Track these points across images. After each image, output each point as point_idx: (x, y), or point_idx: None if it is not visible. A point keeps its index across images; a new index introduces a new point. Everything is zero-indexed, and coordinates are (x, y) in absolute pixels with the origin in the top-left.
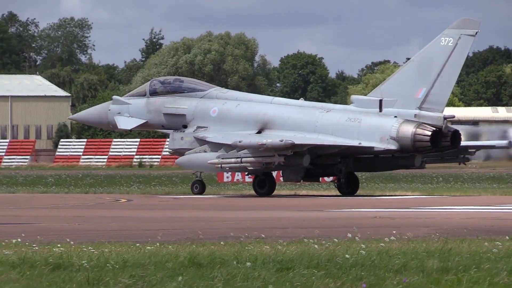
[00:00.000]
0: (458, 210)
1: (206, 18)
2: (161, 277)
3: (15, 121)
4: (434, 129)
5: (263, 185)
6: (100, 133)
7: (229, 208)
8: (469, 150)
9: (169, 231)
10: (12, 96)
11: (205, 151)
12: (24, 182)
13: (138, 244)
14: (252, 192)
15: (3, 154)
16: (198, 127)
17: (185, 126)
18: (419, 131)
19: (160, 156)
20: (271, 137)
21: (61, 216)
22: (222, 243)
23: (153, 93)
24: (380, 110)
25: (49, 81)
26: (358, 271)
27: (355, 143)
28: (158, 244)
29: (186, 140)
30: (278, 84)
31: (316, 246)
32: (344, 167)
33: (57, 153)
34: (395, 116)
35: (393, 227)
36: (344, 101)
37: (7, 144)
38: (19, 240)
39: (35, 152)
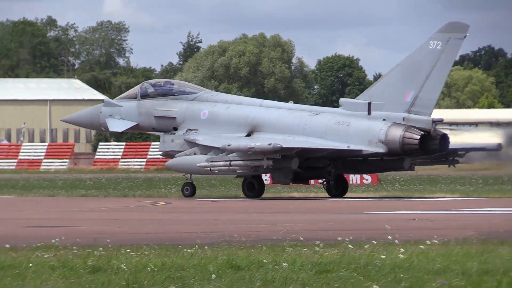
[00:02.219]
0: (498, 212)
1: (242, 21)
2: (199, 279)
3: (54, 124)
4: (423, 132)
5: (252, 188)
6: (139, 136)
7: (267, 211)
8: (459, 153)
9: (207, 234)
10: (51, 100)
11: (195, 154)
12: (63, 185)
13: (180, 246)
14: (290, 194)
15: (42, 157)
16: (188, 130)
17: (175, 129)
18: (408, 134)
19: None
20: (260, 140)
21: (100, 219)
22: (260, 245)
23: (144, 95)
24: (369, 113)
25: (87, 84)
26: (397, 273)
27: (343, 146)
28: (196, 246)
29: (177, 142)
30: (315, 87)
31: (354, 248)
32: (333, 170)
33: (96, 156)
34: (384, 120)
35: (432, 229)
36: None
37: (46, 147)
38: (58, 242)
39: (74, 155)
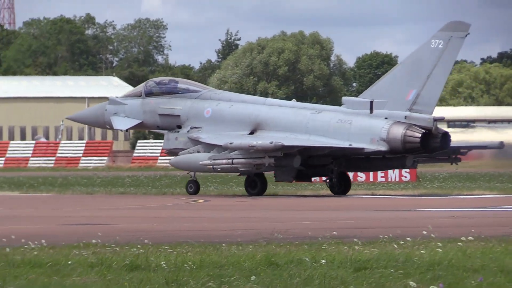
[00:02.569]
0: None
1: (281, 18)
2: (238, 277)
3: None
4: (424, 130)
5: (255, 186)
6: None
7: (306, 208)
8: (461, 151)
9: (246, 231)
10: (89, 98)
11: (198, 152)
12: (101, 183)
13: (223, 245)
14: (329, 191)
15: (81, 155)
16: (192, 128)
17: (179, 127)
18: (409, 132)
19: None
20: (263, 138)
21: (139, 217)
22: (299, 243)
23: (149, 93)
24: (371, 111)
25: (125, 82)
26: (436, 270)
27: (345, 144)
28: (235, 244)
29: (181, 140)
30: (353, 84)
31: (393, 245)
32: (336, 167)
33: (134, 154)
34: (386, 118)
35: (471, 226)
36: None
37: (84, 145)
38: (96, 240)
39: (112, 153)
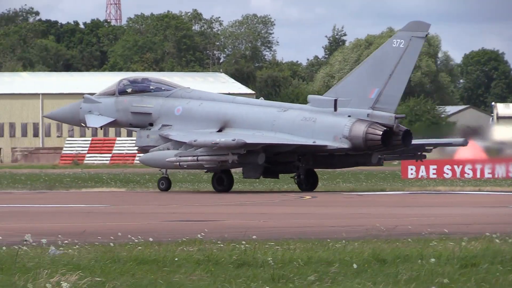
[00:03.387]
0: None
1: (389, 14)
2: (345, 273)
3: None
4: (385, 128)
5: (221, 182)
6: None
7: (412, 205)
8: (426, 148)
9: (353, 228)
10: None
11: (168, 149)
12: (208, 179)
13: (328, 241)
14: (435, 188)
15: None
16: (163, 125)
17: (151, 124)
18: (371, 130)
19: None
20: (230, 136)
21: (246, 213)
22: (406, 239)
23: (122, 92)
24: (335, 109)
25: (233, 78)
26: None
27: (309, 142)
28: (343, 241)
29: (152, 137)
30: (460, 81)
31: (500, 242)
32: (303, 164)
33: None
34: (349, 116)
35: None
36: None
37: None
38: (203, 236)
39: None
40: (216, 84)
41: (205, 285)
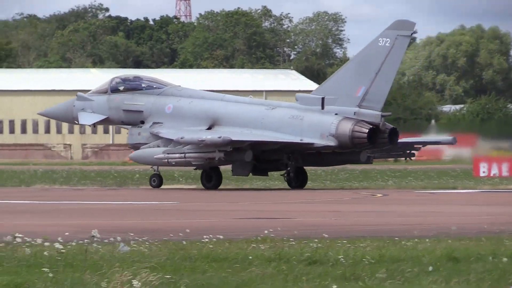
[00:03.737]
0: None
1: (460, 12)
2: (417, 272)
3: None
4: (371, 126)
5: (210, 179)
6: None
7: (484, 203)
8: (415, 146)
9: (426, 226)
10: (266, 91)
11: (158, 146)
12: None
13: (397, 239)
14: (507, 186)
15: None
16: (154, 123)
17: (142, 122)
18: (357, 128)
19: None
20: (218, 133)
21: (317, 211)
22: (479, 238)
23: (114, 90)
24: (322, 107)
25: (303, 75)
26: None
27: (296, 139)
28: (415, 239)
29: (143, 135)
30: None
31: None
32: (293, 162)
33: None
34: (336, 114)
35: None
36: None
37: None
38: (274, 234)
39: None
40: (287, 81)
41: (276, 283)
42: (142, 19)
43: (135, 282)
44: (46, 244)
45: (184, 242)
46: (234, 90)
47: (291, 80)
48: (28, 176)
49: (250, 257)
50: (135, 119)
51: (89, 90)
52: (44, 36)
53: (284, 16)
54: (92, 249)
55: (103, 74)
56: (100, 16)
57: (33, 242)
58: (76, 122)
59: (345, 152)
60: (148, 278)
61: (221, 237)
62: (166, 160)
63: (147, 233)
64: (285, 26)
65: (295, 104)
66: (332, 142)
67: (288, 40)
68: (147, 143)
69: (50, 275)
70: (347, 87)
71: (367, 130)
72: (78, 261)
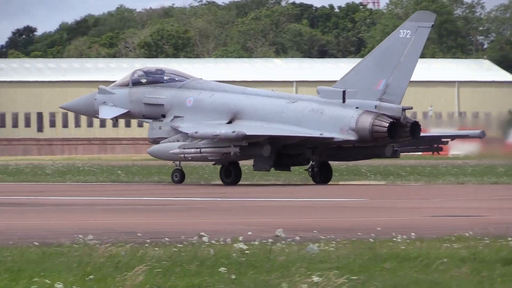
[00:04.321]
0: None
1: None
2: None
3: (462, 107)
4: (392, 120)
5: (229, 175)
6: None
7: None
8: (443, 140)
9: None
10: (458, 82)
11: (178, 141)
12: (473, 172)
13: None
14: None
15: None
16: (175, 117)
17: (163, 116)
18: (377, 122)
19: None
20: (239, 127)
21: (508, 208)
22: None
23: (136, 83)
24: (343, 101)
25: (498, 65)
26: None
27: (316, 133)
28: None
29: (164, 129)
30: None
31: None
32: (317, 157)
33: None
34: (357, 107)
35: None
36: None
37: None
38: (469, 232)
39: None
40: (479, 72)
41: (470, 284)
42: (327, 6)
43: (321, 284)
44: (229, 243)
45: (373, 241)
46: (424, 81)
47: (484, 70)
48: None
49: (443, 257)
50: (156, 113)
51: (271, 82)
52: (223, 24)
53: (476, 3)
54: (276, 248)
55: (286, 64)
56: (283, 3)
57: (216, 241)
58: (98, 116)
59: (369, 146)
60: (335, 279)
61: (413, 235)
62: (183, 155)
63: (333, 231)
64: (477, 14)
65: (316, 97)
66: (352, 136)
67: (480, 28)
68: (168, 138)
69: (233, 276)
70: (368, 80)
71: (387, 124)
72: (262, 262)
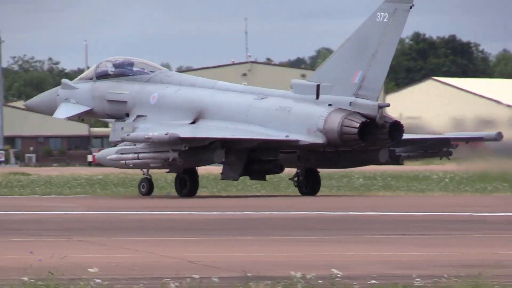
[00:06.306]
0: None
1: None
2: None
3: None
4: (364, 119)
5: (184, 185)
6: None
7: None
8: (452, 143)
9: None
10: None
11: (134, 145)
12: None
13: None
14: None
15: None
16: (138, 116)
17: (128, 115)
18: (346, 122)
19: None
20: (199, 129)
21: None
22: None
23: (100, 76)
24: (317, 97)
25: None
26: None
27: (281, 135)
28: None
29: (126, 130)
30: None
31: None
32: (302, 163)
33: None
34: (330, 104)
35: None
36: None
37: None
38: None
39: None
40: None
41: None
42: None
43: None
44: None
45: None
46: None
47: None
48: None
49: None
50: (119, 111)
51: None
52: None
53: None
54: None
55: None
56: None
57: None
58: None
59: (359, 150)
60: None
61: None
62: (123, 161)
63: None
64: None
65: (288, 93)
66: (319, 139)
67: None
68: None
69: None
70: (343, 72)
71: (357, 124)
72: None
